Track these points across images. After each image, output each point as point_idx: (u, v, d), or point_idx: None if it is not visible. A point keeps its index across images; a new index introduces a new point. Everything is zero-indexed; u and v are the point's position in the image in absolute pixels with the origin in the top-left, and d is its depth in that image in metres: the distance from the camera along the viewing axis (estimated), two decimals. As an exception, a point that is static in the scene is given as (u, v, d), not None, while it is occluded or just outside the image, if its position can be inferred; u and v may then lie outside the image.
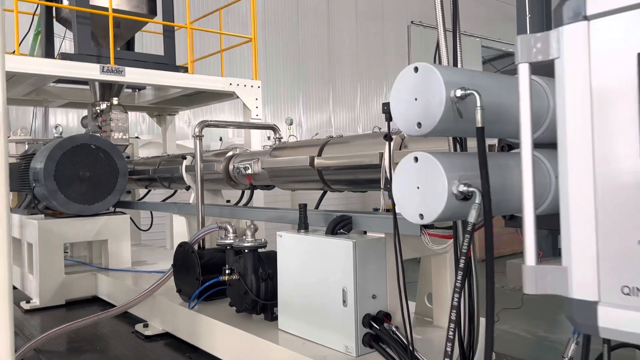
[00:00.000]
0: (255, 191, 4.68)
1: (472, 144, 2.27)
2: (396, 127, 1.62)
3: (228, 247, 3.66)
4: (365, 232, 2.99)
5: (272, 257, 3.51)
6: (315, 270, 2.93)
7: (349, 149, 3.32)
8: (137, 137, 9.15)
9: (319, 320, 2.91)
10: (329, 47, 14.75)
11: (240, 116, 6.96)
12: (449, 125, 1.55)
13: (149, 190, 6.71)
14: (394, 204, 1.71)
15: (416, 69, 1.57)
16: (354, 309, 2.71)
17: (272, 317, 3.39)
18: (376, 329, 2.71)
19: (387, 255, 2.84)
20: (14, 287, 6.01)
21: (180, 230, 4.81)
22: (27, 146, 6.68)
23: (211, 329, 3.54)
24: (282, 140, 4.48)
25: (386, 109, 1.94)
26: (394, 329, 2.72)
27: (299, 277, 3.04)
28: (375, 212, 3.07)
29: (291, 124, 4.40)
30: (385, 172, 2.97)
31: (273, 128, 4.59)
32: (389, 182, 3.01)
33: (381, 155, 2.97)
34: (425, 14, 16.39)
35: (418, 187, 1.59)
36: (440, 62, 2.15)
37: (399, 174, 1.65)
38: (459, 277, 1.54)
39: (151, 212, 6.65)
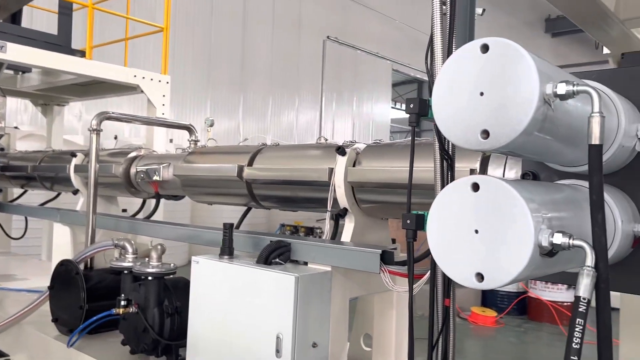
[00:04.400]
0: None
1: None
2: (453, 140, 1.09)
3: (125, 272, 2.95)
4: (306, 264, 2.46)
5: (181, 286, 2.88)
6: (241, 309, 2.35)
7: (288, 161, 2.79)
8: (15, 128, 7.97)
9: (242, 371, 2.33)
10: (242, 53, 14.07)
11: (142, 114, 6.18)
12: (531, 137, 1.04)
13: (25, 191, 5.66)
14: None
15: (486, 48, 1.04)
16: (290, 360, 2.17)
17: (177, 360, 2.75)
18: (316, 387, 2.18)
19: (332, 293, 2.33)
20: None
21: (63, 243, 3.95)
22: None
23: (96, 373, 2.81)
24: (199, 143, 3.85)
25: (413, 107, 1.41)
26: (337, 386, 2.21)
27: (219, 315, 2.44)
28: (319, 239, 2.56)
29: (212, 125, 3.79)
30: (334, 192, 2.48)
31: (189, 128, 3.93)
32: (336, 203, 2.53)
33: (331, 171, 2.48)
34: (341, 30, 16.27)
35: (477, 232, 1.06)
36: (433, 61, 1.71)
37: (441, 208, 1.12)
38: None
39: (26, 217, 5.60)
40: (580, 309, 1.01)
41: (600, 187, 1.04)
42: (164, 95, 6.24)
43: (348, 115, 17.31)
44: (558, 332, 7.18)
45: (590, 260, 1.04)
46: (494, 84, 1.03)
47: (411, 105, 1.44)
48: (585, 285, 1.02)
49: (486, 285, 1.01)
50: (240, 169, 2.89)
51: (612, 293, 1.07)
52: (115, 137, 10.77)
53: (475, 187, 1.05)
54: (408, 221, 1.50)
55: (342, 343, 2.41)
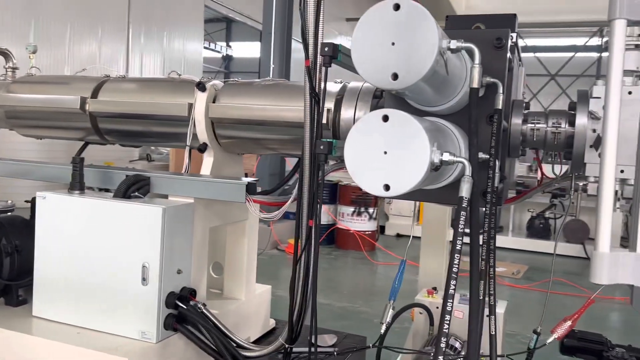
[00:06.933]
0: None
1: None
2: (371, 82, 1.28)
3: (-52, 211, 2.64)
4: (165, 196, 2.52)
5: (18, 224, 2.70)
6: (99, 243, 2.34)
7: (139, 95, 2.73)
8: None
9: (102, 303, 2.35)
10: (33, -32, 12.20)
11: None
12: (428, 81, 1.32)
13: None
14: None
15: (397, 7, 1.26)
16: (157, 287, 2.27)
17: (18, 301, 2.61)
18: (183, 309, 2.33)
19: (194, 223, 2.46)
20: None
21: None
22: None
23: None
24: (17, 71, 3.45)
25: (327, 50, 1.56)
26: (201, 307, 2.39)
27: (72, 251, 2.39)
28: (179, 173, 2.62)
29: (34, 52, 3.39)
30: (194, 127, 2.55)
31: (5, 53, 3.47)
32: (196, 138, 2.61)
33: (191, 106, 2.53)
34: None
35: (385, 153, 1.30)
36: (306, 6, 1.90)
37: (358, 135, 1.33)
38: (456, 262, 1.33)
39: None
40: (463, 205, 1.37)
41: (477, 119, 1.40)
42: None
43: (158, 51, 16.38)
44: (361, 257, 8.24)
45: (468, 171, 1.40)
46: (403, 37, 1.28)
47: (326, 49, 1.64)
48: (466, 189, 1.40)
49: (391, 193, 1.30)
50: (84, 101, 2.75)
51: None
52: None
53: (385, 118, 1.31)
54: (322, 147, 1.72)
55: (203, 269, 2.57)
